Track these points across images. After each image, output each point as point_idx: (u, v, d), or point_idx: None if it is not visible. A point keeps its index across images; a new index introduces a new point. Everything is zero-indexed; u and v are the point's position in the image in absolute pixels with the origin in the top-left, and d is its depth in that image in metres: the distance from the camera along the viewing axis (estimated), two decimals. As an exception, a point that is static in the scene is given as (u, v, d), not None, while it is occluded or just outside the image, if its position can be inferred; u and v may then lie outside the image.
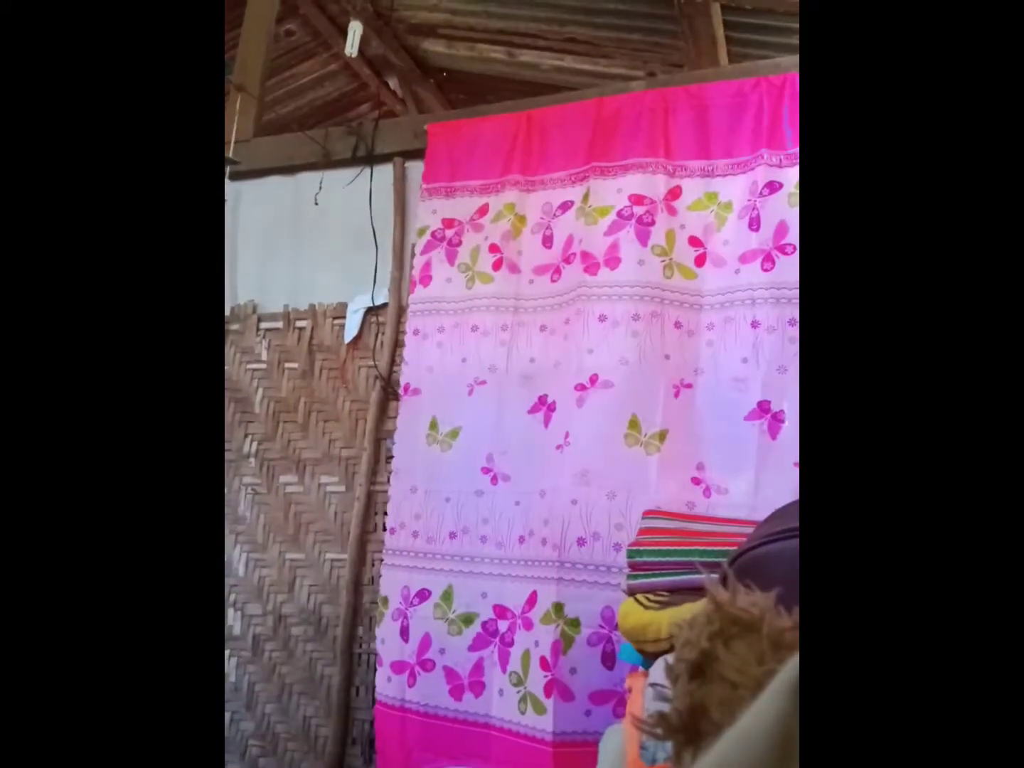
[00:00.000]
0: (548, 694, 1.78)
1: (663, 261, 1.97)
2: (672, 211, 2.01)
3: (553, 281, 2.09)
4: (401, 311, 2.31)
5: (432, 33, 3.65)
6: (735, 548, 1.02)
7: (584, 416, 1.90)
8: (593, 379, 1.92)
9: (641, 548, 1.45)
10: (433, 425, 2.12)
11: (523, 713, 1.82)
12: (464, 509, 2.03)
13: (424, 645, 2.01)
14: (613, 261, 1.98)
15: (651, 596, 1.29)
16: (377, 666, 2.08)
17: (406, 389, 2.19)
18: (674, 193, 2.02)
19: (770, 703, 0.41)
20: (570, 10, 3.19)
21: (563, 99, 2.30)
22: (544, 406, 2.01)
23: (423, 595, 2.04)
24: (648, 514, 1.70)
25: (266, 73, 2.83)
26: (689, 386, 1.90)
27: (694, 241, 1.99)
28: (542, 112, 2.24)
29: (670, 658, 0.59)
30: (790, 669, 0.42)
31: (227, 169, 2.43)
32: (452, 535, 2.04)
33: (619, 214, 2.02)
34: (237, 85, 2.61)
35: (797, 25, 2.45)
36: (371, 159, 2.44)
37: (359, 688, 2.17)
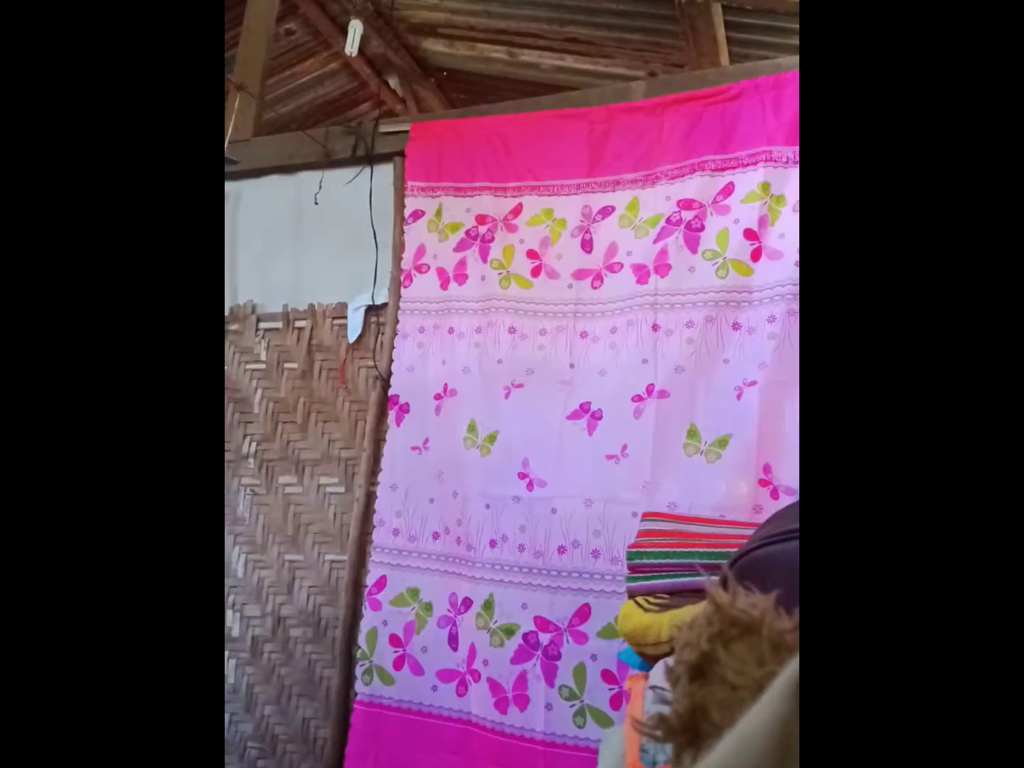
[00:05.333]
0: (616, 707, 1.76)
1: (715, 264, 1.94)
2: (724, 210, 1.98)
3: (595, 288, 2.08)
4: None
5: (432, 32, 3.65)
6: (735, 550, 1.01)
7: (641, 427, 1.89)
8: (649, 389, 1.91)
9: (641, 550, 1.45)
10: (472, 428, 2.10)
11: (580, 727, 1.80)
12: (503, 514, 2.00)
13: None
14: (663, 268, 1.98)
15: (651, 598, 1.28)
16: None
17: (445, 390, 2.18)
18: (726, 191, 1.99)
19: (770, 705, 0.41)
20: (571, 10, 3.19)
21: (563, 99, 2.30)
22: (587, 413, 1.98)
23: (458, 601, 2.04)
24: (647, 516, 1.70)
25: (266, 72, 2.83)
26: (752, 384, 1.83)
27: (749, 235, 1.94)
28: (606, 112, 2.19)
29: (670, 660, 0.59)
30: (790, 671, 0.42)
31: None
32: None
33: (668, 221, 2.01)
34: (237, 84, 2.61)
35: (797, 25, 2.44)
36: (371, 158, 2.44)
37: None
